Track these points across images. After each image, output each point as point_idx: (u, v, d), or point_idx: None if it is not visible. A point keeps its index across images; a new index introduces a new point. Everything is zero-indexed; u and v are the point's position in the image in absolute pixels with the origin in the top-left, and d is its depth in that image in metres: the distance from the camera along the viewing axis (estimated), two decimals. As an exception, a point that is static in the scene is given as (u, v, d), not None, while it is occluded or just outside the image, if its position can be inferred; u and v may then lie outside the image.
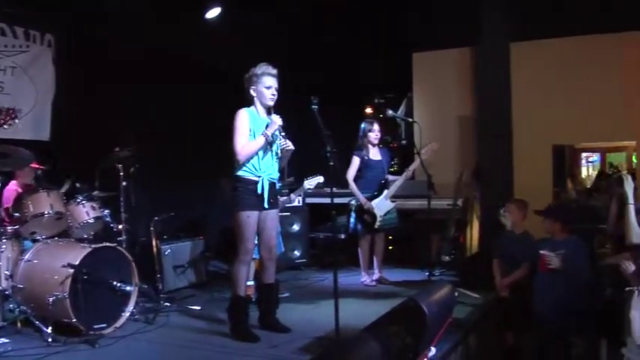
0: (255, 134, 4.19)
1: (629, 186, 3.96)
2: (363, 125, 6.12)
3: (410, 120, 6.87)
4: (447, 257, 6.47)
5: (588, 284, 4.56)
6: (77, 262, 4.12)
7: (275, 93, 4.24)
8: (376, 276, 6.13)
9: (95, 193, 5.02)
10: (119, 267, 4.52)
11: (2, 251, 4.28)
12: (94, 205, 4.89)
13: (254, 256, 4.50)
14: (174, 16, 6.35)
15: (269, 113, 4.27)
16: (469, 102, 7.37)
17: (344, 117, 6.24)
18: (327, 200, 4.97)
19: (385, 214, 5.97)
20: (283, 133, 4.26)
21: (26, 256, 4.37)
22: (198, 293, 5.72)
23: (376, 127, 6.08)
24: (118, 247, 4.61)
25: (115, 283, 4.43)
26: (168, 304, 5.10)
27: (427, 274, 5.79)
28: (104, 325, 4.26)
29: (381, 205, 5.96)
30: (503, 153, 6.90)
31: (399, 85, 8.23)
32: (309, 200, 7.31)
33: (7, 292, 4.17)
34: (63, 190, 4.86)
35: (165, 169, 6.29)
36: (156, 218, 5.61)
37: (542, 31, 6.91)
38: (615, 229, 4.66)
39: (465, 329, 4.46)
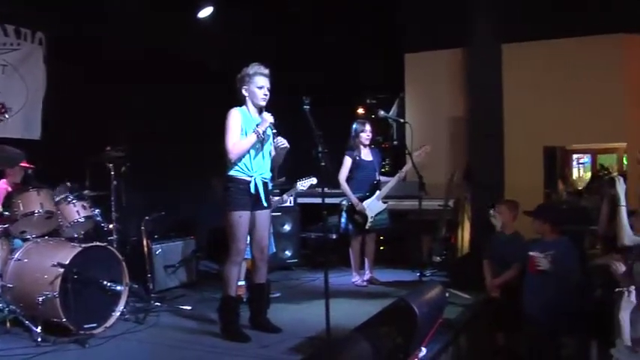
0: (247, 133, 4.18)
1: (620, 187, 3.97)
2: (354, 126, 6.12)
3: (402, 120, 6.86)
4: (438, 258, 6.50)
5: (578, 285, 4.57)
6: (67, 262, 4.10)
7: (267, 93, 4.24)
8: (367, 276, 6.14)
9: (86, 192, 4.97)
10: (109, 266, 4.50)
11: (-8, 250, 4.24)
12: (85, 204, 4.85)
13: (246, 256, 4.49)
14: (165, 15, 6.31)
15: (261, 113, 4.27)
16: (461, 103, 7.38)
17: (336, 117, 6.25)
18: (319, 200, 4.94)
19: (376, 215, 5.99)
20: (275, 131, 4.25)
21: (16, 255, 4.33)
22: (188, 293, 5.71)
23: (368, 127, 6.10)
24: (109, 247, 4.59)
25: (105, 282, 4.40)
26: (158, 303, 5.08)
27: (418, 274, 5.79)
28: (94, 325, 4.23)
29: (373, 205, 5.97)
30: (495, 154, 6.92)
31: (391, 85, 8.24)
32: (300, 200, 7.29)
33: (-4, 292, 4.14)
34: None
35: (156, 169, 6.26)
36: (147, 218, 5.58)
37: (534, 33, 6.94)
38: (606, 231, 4.69)
39: (455, 330, 4.47)
